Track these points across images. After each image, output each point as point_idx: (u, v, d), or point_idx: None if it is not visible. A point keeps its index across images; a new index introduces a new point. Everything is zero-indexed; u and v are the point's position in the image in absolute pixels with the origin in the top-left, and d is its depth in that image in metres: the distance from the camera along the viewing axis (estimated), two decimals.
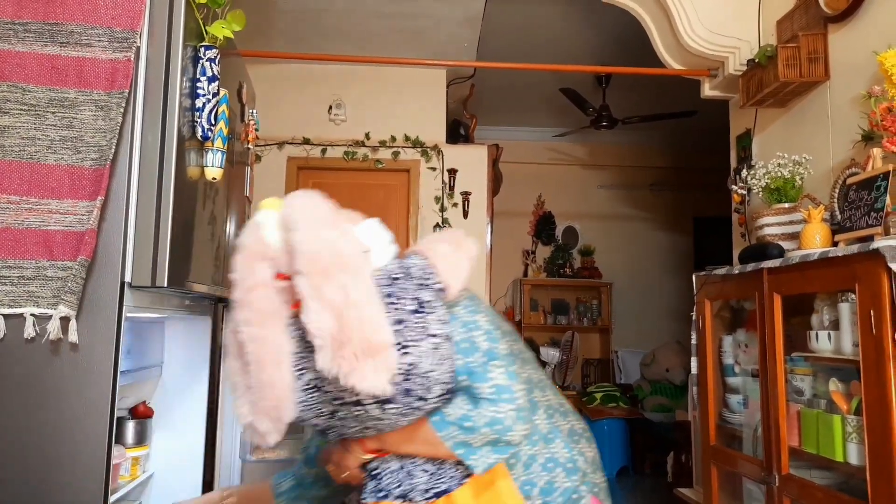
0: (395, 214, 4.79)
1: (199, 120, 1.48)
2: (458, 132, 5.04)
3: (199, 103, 1.48)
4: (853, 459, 1.73)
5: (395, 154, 4.73)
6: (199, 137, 1.51)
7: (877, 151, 1.96)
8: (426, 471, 1.18)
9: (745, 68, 2.85)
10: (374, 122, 4.73)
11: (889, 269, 1.53)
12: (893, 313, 1.53)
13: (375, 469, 1.20)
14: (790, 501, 1.95)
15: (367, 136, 4.72)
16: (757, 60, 2.69)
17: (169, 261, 1.40)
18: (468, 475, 1.18)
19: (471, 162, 4.78)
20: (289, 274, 1.07)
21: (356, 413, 1.09)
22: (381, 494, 1.18)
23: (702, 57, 3.08)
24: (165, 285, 1.39)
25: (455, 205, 4.77)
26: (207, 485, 2.04)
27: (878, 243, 1.58)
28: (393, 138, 4.73)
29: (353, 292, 1.03)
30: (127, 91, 1.36)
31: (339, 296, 1.02)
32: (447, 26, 4.17)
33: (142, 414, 1.94)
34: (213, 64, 1.49)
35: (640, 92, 5.25)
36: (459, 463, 1.17)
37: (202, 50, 1.49)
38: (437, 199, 4.74)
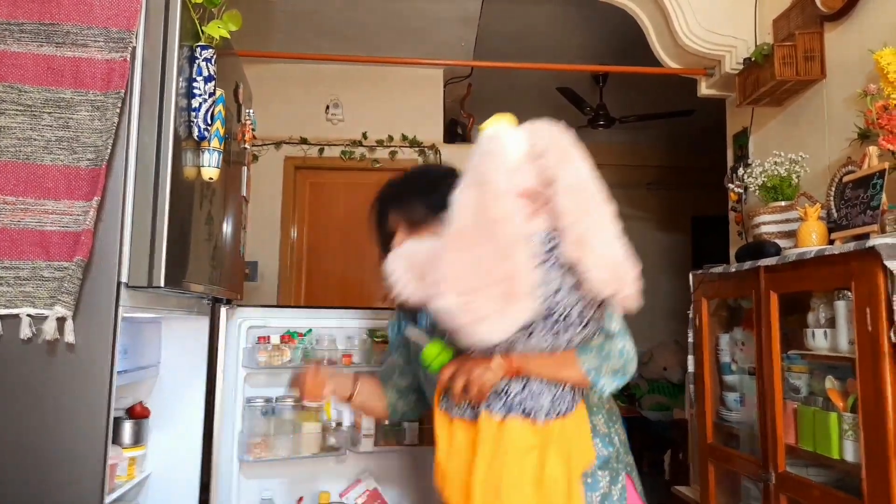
0: None
1: (195, 120, 1.48)
2: (455, 132, 5.04)
3: (195, 103, 1.47)
4: (849, 457, 1.73)
5: (393, 153, 4.74)
6: (196, 137, 1.50)
7: (873, 150, 1.97)
8: (550, 393, 1.27)
9: (741, 67, 2.85)
10: (371, 122, 4.73)
11: (885, 267, 1.54)
12: (889, 311, 1.53)
13: (502, 388, 1.26)
14: (787, 499, 1.95)
15: (364, 135, 4.72)
16: (753, 59, 2.69)
17: (165, 261, 1.40)
18: (574, 404, 1.30)
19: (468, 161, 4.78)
20: (530, 192, 1.17)
21: (561, 330, 1.21)
22: (512, 412, 1.24)
23: (698, 56, 3.09)
24: (162, 285, 1.38)
25: None
26: (204, 485, 2.04)
27: (874, 241, 1.58)
28: (390, 138, 4.74)
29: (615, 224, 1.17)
30: (123, 91, 1.36)
31: (609, 225, 1.16)
32: (444, 26, 4.17)
33: (138, 414, 1.93)
34: (209, 64, 1.49)
35: (637, 91, 5.25)
36: (571, 390, 1.29)
37: (198, 50, 1.49)
38: None
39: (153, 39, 1.42)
